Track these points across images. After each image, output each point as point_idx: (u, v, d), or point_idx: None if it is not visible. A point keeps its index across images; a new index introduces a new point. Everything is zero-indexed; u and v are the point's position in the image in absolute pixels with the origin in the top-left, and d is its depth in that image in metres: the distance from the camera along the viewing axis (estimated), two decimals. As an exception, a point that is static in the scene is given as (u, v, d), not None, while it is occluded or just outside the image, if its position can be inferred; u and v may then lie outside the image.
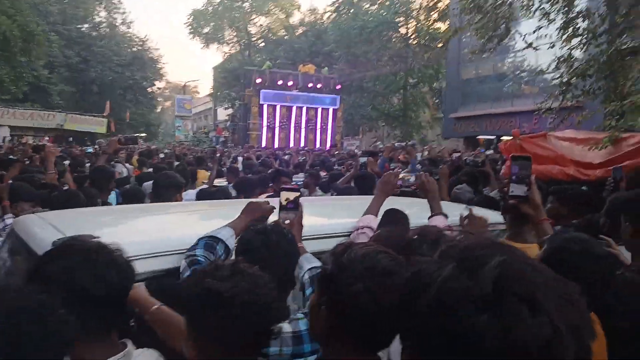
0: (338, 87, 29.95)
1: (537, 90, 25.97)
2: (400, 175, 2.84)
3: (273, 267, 1.70)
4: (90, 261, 1.38)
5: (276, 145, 25.87)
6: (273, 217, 2.32)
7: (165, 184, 3.58)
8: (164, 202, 3.38)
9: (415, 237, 1.99)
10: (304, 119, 28.59)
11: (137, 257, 1.89)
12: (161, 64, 42.15)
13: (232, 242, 2.03)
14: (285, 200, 2.26)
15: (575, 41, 7.54)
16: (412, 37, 35.86)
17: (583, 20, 7.29)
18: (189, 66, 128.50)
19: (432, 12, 33.61)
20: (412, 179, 2.80)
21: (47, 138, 24.41)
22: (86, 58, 34.09)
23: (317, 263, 2.11)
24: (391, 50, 34.76)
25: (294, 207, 2.26)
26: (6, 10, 15.44)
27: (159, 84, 46.18)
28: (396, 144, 6.66)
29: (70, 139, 25.15)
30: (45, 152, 4.49)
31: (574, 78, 7.64)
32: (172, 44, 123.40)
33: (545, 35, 7.69)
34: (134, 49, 40.14)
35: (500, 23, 7.47)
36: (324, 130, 29.10)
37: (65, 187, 4.07)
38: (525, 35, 7.67)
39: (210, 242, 2.00)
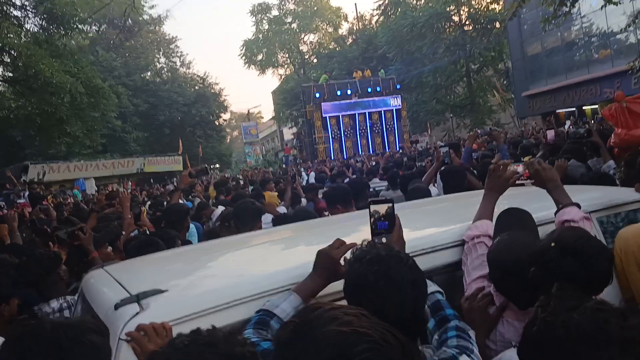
0: (398, 86, 29.30)
1: (608, 52, 24.12)
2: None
3: (397, 307, 1.36)
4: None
5: (345, 155, 25.62)
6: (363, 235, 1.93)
7: (244, 213, 3.31)
8: (245, 233, 3.10)
9: (552, 244, 1.56)
10: (368, 124, 28.18)
11: (211, 310, 1.60)
12: (223, 97, 43.42)
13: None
14: (377, 215, 1.87)
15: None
16: (466, 23, 34.53)
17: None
18: (249, 93, 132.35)
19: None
20: (520, 168, 2.25)
21: (130, 183, 25.75)
22: (154, 104, 35.73)
23: (434, 287, 1.72)
24: (446, 40, 33.64)
25: (388, 222, 1.86)
26: (69, 70, 16.32)
27: (224, 116, 47.60)
28: (479, 131, 6.04)
29: (152, 180, 26.39)
30: (119, 199, 4.41)
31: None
32: (231, 76, 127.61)
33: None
34: (197, 87, 41.64)
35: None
36: (390, 132, 28.50)
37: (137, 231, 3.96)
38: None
39: (263, 318, 1.62)
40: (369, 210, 1.87)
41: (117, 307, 1.63)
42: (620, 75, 21.96)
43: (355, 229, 2.69)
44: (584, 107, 25.22)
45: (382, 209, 1.87)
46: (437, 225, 2.40)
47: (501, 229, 1.90)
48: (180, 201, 5.67)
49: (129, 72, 35.53)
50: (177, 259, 2.39)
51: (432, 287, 1.72)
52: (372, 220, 1.86)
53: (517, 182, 2.24)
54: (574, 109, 25.68)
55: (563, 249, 1.54)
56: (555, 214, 2.05)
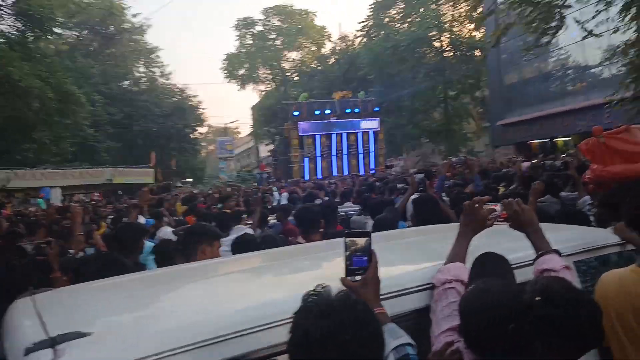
0: (376, 109, 29.43)
1: (583, 85, 24.67)
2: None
3: None
4: None
5: (320, 175, 25.48)
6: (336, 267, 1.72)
7: (191, 236, 3.03)
8: (194, 260, 2.83)
9: (538, 298, 1.42)
10: (345, 146, 28.15)
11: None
12: (201, 110, 42.98)
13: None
14: (353, 248, 1.68)
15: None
16: (447, 49, 35.10)
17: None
18: (228, 108, 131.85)
19: (467, 22, 32.74)
20: (498, 208, 2.08)
21: (97, 194, 25.02)
22: (129, 113, 35.05)
23: (404, 338, 1.52)
24: (426, 65, 34.09)
25: (365, 256, 1.68)
26: (40, 74, 15.84)
27: (200, 130, 47.09)
28: (454, 160, 5.95)
29: (120, 192, 25.68)
30: (71, 214, 4.11)
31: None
32: (210, 90, 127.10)
33: (607, 19, 6.87)
34: (174, 99, 41.09)
35: (554, 13, 6.73)
36: (366, 155, 28.52)
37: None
38: (583, 23, 6.88)
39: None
40: (345, 242, 1.68)
41: (27, 351, 1.37)
42: (594, 108, 22.45)
43: (328, 261, 2.50)
44: (556, 139, 25.68)
45: (359, 242, 1.68)
46: (406, 263, 2.21)
47: (476, 275, 1.71)
48: (142, 219, 5.39)
49: (106, 80, 34.87)
50: (119, 290, 2.12)
51: (402, 338, 1.52)
52: (347, 254, 1.67)
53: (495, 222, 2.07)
54: (547, 140, 26.13)
55: (551, 302, 1.40)
56: (534, 260, 1.88)
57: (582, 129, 23.03)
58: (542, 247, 1.89)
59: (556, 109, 25.06)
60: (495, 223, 2.03)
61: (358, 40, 42.51)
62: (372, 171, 24.21)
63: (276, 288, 1.98)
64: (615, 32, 7.13)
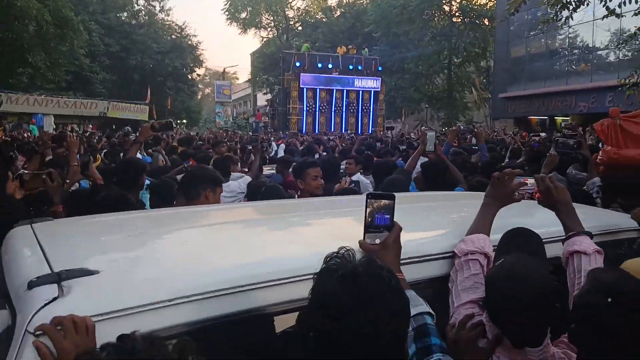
0: (379, 68, 28.92)
1: (588, 67, 24.41)
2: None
3: (371, 342, 1.08)
4: None
5: (317, 130, 25.26)
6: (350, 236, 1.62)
7: (195, 179, 2.91)
8: (196, 204, 2.73)
9: (609, 300, 1.24)
10: (344, 103, 27.79)
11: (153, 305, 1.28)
12: (200, 51, 41.99)
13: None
14: (375, 210, 1.58)
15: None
16: (456, 14, 34.31)
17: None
18: (227, 52, 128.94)
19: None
20: (530, 182, 1.97)
21: (90, 126, 24.65)
22: (126, 46, 34.15)
23: (423, 307, 1.45)
24: (434, 29, 33.38)
25: (386, 220, 1.59)
26: (38, -4, 15.21)
27: (198, 71, 46.11)
28: (462, 127, 5.83)
29: (114, 126, 25.33)
30: (67, 143, 3.96)
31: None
32: (210, 31, 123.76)
33: (630, 0, 6.64)
34: (173, 37, 40.04)
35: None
36: (365, 114, 28.22)
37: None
38: (605, 1, 6.65)
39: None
40: (366, 203, 1.59)
41: (30, 285, 1.28)
42: (597, 90, 22.31)
43: (342, 216, 2.42)
44: (555, 117, 25.57)
45: (382, 204, 1.59)
46: (426, 229, 2.13)
47: (505, 250, 1.64)
48: (139, 155, 5.26)
49: (104, 9, 33.71)
50: (124, 227, 2.03)
51: (421, 307, 1.46)
52: (368, 214, 1.58)
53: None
54: (546, 117, 26.02)
55: (623, 305, 1.22)
56: (564, 241, 1.80)
57: (584, 110, 22.95)
58: (573, 227, 1.80)
59: (559, 88, 24.84)
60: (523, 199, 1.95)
61: (367, -6, 41.40)
62: (371, 132, 24.02)
63: (295, 243, 1.89)
64: (637, 14, 6.90)
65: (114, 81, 33.57)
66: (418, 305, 1.45)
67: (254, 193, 3.80)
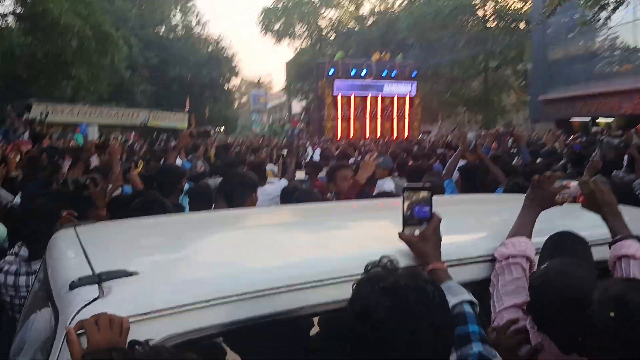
0: (414, 74, 28.66)
1: (630, 67, 23.58)
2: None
3: (408, 355, 1.06)
4: None
5: (351, 136, 25.20)
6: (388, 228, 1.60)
7: (234, 183, 2.95)
8: (236, 207, 2.76)
9: (612, 314, 1.19)
10: (379, 108, 27.64)
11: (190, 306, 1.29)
12: (236, 62, 42.73)
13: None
14: (413, 203, 1.57)
15: None
16: (490, 19, 33.77)
17: None
18: (262, 62, 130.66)
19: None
20: (573, 185, 1.91)
21: (133, 134, 25.36)
22: (165, 59, 35.10)
23: (464, 295, 1.42)
24: (468, 34, 32.93)
25: (425, 212, 1.57)
26: (79, 12, 15.79)
27: (234, 81, 46.93)
28: (502, 129, 5.63)
29: (155, 134, 25.97)
30: (109, 150, 4.08)
31: None
32: (246, 42, 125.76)
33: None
34: (209, 49, 40.90)
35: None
36: (401, 119, 27.98)
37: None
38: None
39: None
40: (402, 196, 1.57)
41: (72, 286, 1.31)
42: (641, 92, 21.53)
43: (378, 218, 2.39)
44: (598, 120, 24.77)
45: (419, 195, 1.57)
46: (465, 232, 2.08)
47: (550, 254, 1.58)
48: (179, 161, 5.37)
49: (143, 25, 34.82)
50: (163, 230, 2.06)
51: (461, 295, 1.42)
52: (405, 206, 1.57)
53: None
54: (588, 119, 25.24)
55: (627, 322, 1.17)
56: (610, 245, 1.73)
57: (627, 111, 22.17)
58: (620, 231, 1.72)
59: (600, 89, 24.07)
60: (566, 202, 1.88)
61: (398, 2, 41.23)
62: (407, 136, 23.82)
63: (331, 245, 1.88)
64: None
65: (154, 92, 34.52)
66: (458, 294, 1.42)
67: (287, 197, 3.82)
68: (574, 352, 1.38)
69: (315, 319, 1.67)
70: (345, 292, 1.25)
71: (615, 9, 6.62)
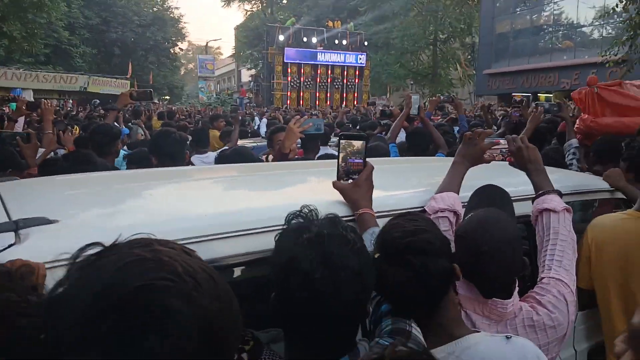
0: (365, 44, 28.67)
1: (571, 44, 24.55)
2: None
3: (334, 305, 1.09)
4: None
5: (301, 106, 25.09)
6: (324, 177, 1.61)
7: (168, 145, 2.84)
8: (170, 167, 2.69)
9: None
10: (329, 78, 27.58)
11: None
12: (182, 24, 41.18)
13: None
14: (348, 152, 1.61)
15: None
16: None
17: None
18: (210, 26, 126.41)
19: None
20: (502, 142, 1.98)
21: (71, 101, 24.15)
22: (106, 19, 33.35)
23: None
24: (420, 3, 33.09)
25: (360, 159, 1.62)
26: (13, -38, 14.73)
27: (181, 45, 45.30)
28: (442, 97, 5.79)
29: (96, 101, 24.83)
30: (41, 110, 3.86)
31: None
32: (193, 3, 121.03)
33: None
34: (155, 9, 39.18)
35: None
36: (350, 90, 28.07)
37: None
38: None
39: None
40: (338, 144, 1.61)
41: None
42: (580, 67, 22.46)
43: (306, 177, 2.40)
44: (539, 94, 25.75)
45: (354, 145, 1.61)
46: (398, 188, 2.13)
47: (474, 207, 1.64)
48: (115, 124, 5.16)
49: (83, -19, 32.85)
50: (89, 183, 1.99)
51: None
52: (341, 156, 1.60)
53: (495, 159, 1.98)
54: (529, 94, 26.15)
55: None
56: (534, 199, 1.82)
57: (566, 86, 23.10)
58: (543, 186, 1.81)
59: (542, 64, 24.96)
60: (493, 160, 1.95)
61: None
62: (355, 108, 23.95)
63: (260, 198, 1.88)
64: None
65: (94, 55, 32.86)
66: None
67: (222, 161, 3.69)
68: (494, 297, 1.46)
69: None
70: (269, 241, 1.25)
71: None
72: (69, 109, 16.76)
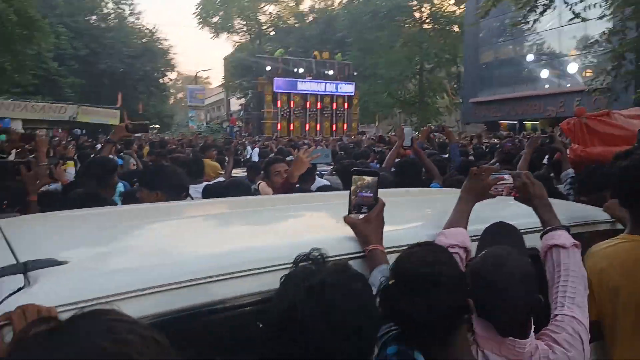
0: (353, 73, 29.13)
1: (556, 72, 25.15)
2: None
3: (327, 355, 1.06)
4: None
5: (291, 134, 25.23)
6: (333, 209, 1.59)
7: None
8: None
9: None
10: (318, 107, 27.87)
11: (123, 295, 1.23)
12: (172, 55, 41.50)
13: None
14: (359, 187, 1.61)
15: (628, 11, 6.73)
16: (426, 21, 34.85)
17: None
18: (199, 57, 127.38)
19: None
20: (507, 177, 1.99)
21: (60, 131, 23.97)
22: (95, 50, 33.49)
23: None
24: (405, 35, 33.82)
25: (371, 197, 1.62)
26: (1, -5, 14.77)
27: (170, 75, 45.59)
28: (432, 127, 5.88)
29: (84, 131, 24.68)
30: (35, 142, 3.82)
31: (626, 52, 6.84)
32: (182, 35, 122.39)
33: (595, 5, 6.86)
34: (144, 40, 39.44)
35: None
36: (340, 119, 28.35)
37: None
38: (571, 5, 6.85)
39: None
40: (352, 179, 1.62)
41: (-5, 279, 1.23)
42: (564, 95, 22.98)
43: (311, 212, 2.39)
44: (525, 122, 26.19)
45: (366, 180, 1.63)
46: (404, 222, 2.12)
47: (488, 243, 1.64)
48: (112, 157, 5.13)
49: (72, 12, 33.00)
50: (95, 221, 1.96)
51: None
52: (353, 190, 1.61)
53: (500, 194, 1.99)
54: (516, 122, 26.62)
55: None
56: (542, 235, 1.82)
57: (552, 114, 23.59)
58: (551, 221, 1.81)
59: (528, 93, 25.52)
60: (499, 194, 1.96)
61: (338, 1, 41.68)
62: (346, 137, 24.17)
63: (253, 236, 1.86)
64: (600, 18, 7.14)
65: (83, 86, 32.81)
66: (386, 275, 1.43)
67: (208, 194, 3.63)
68: (510, 336, 1.45)
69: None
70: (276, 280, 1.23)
71: (543, 11, 7.01)
72: (56, 139, 16.66)
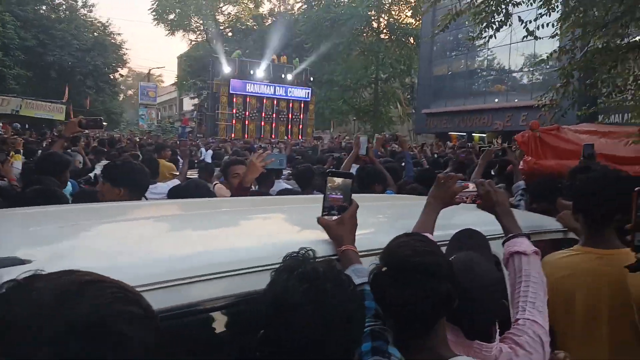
0: (311, 79, 29.27)
1: (504, 88, 26.23)
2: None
3: (322, 344, 1.09)
4: None
5: (246, 137, 25.02)
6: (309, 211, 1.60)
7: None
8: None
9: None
10: (274, 111, 27.81)
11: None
12: (124, 50, 40.41)
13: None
14: (332, 188, 1.63)
15: (578, 31, 7.09)
16: (383, 31, 35.48)
17: (585, 12, 6.82)
18: (153, 54, 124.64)
19: (406, 8, 33.33)
20: (471, 186, 2.07)
21: (0, 124, 22.80)
22: (44, 41, 32.16)
23: (366, 278, 1.47)
24: (363, 43, 34.30)
25: (339, 195, 1.64)
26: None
27: (121, 71, 44.34)
28: (387, 135, 6.02)
29: (27, 125, 23.57)
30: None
31: (574, 70, 7.19)
32: (136, 30, 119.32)
33: (547, 25, 7.20)
34: (95, 34, 38.26)
35: (501, 7, 6.93)
36: (295, 123, 28.39)
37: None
38: (526, 23, 7.15)
39: None
40: (326, 181, 1.63)
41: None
42: (512, 110, 23.94)
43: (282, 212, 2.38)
44: (473, 134, 27.09)
45: (340, 182, 1.65)
46: (370, 227, 2.15)
47: (456, 248, 1.69)
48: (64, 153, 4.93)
49: (20, 1, 31.59)
50: (57, 219, 1.87)
51: (364, 278, 1.46)
52: (327, 192, 1.62)
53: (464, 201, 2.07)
54: (465, 134, 27.49)
55: None
56: (504, 242, 1.89)
57: (499, 127, 24.51)
58: (513, 229, 1.89)
59: (477, 106, 26.42)
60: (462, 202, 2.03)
61: (298, 5, 41.81)
62: (302, 140, 24.19)
63: (214, 238, 1.84)
64: (553, 36, 7.48)
65: (29, 78, 31.40)
66: (363, 277, 1.46)
67: (174, 195, 3.57)
68: (477, 339, 1.49)
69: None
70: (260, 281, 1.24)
71: (498, 28, 7.28)
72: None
